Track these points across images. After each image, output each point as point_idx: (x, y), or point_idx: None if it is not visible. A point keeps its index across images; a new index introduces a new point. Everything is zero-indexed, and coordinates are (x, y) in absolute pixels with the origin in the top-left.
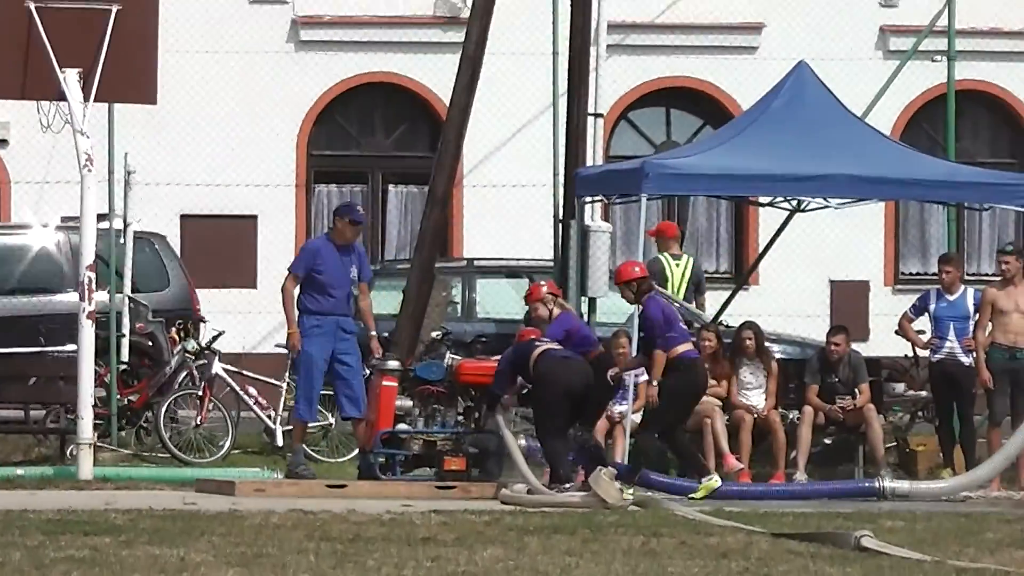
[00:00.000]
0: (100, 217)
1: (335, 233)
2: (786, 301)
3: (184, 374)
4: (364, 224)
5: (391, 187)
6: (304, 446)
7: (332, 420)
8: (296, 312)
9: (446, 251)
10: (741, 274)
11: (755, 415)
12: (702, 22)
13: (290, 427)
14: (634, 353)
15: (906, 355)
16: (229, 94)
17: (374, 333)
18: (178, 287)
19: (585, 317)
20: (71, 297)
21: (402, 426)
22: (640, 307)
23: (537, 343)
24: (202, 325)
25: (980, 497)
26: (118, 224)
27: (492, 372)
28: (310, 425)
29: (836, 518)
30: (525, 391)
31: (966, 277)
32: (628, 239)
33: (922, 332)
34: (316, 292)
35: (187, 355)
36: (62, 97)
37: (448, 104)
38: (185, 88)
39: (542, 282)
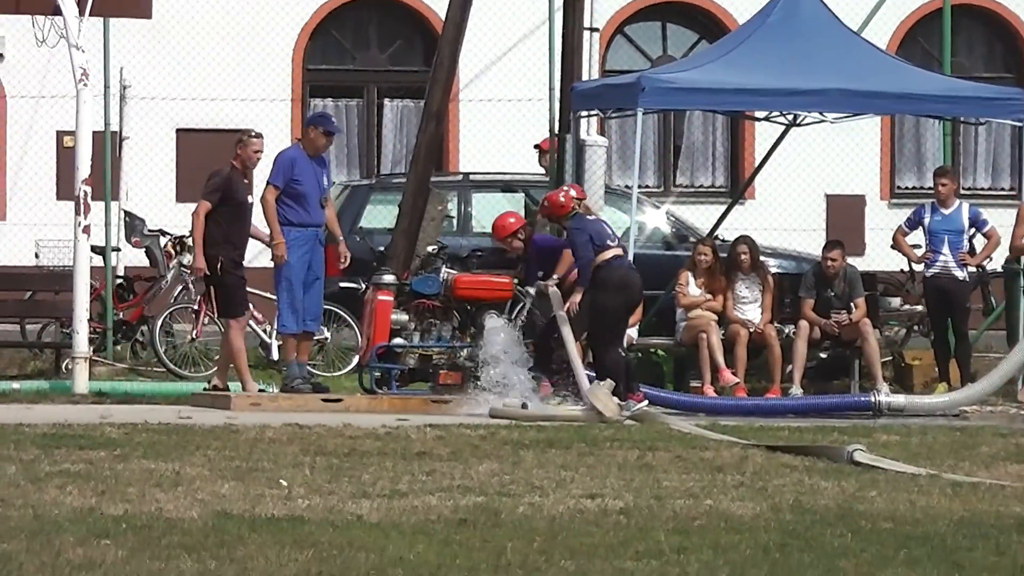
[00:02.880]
0: None
1: (307, 143)
2: (782, 215)
3: (179, 288)
4: (336, 135)
5: (387, 101)
6: (301, 359)
7: (327, 335)
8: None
9: (442, 166)
10: (737, 188)
11: (751, 329)
12: None
13: None
14: None
15: (902, 269)
16: (225, 8)
17: (342, 238)
18: None
19: None
20: None
21: (398, 340)
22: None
23: (604, 243)
24: None
25: (975, 412)
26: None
27: (488, 286)
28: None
29: (831, 432)
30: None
31: (961, 191)
32: (624, 153)
33: (917, 246)
34: (295, 203)
35: (183, 269)
36: (57, 11)
37: (443, 18)
38: (180, 2)
39: (561, 191)
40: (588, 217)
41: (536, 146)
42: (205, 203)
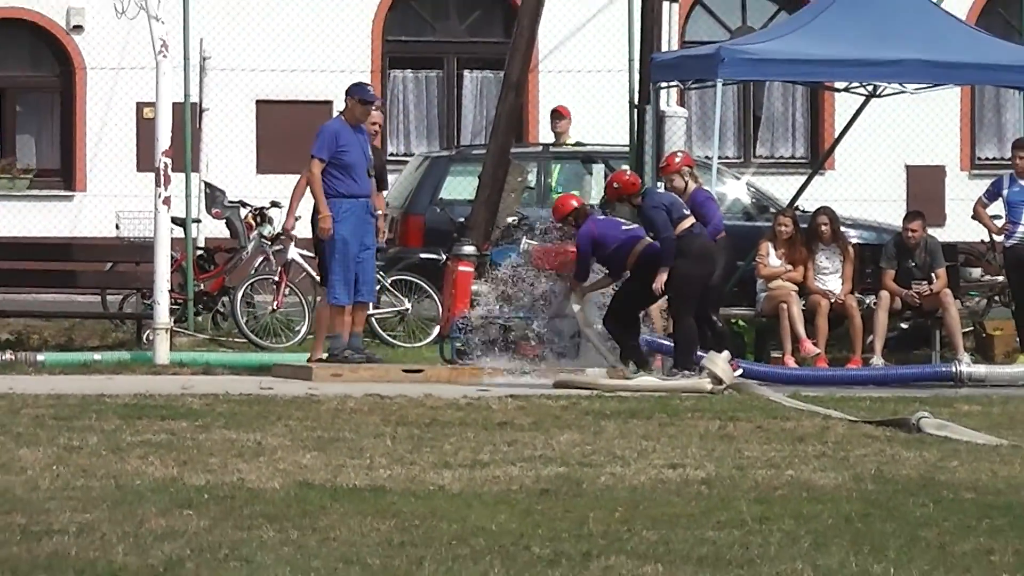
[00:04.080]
0: None
1: (347, 113)
2: (862, 186)
3: (260, 259)
4: (374, 104)
5: (466, 72)
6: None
7: (408, 305)
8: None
9: (521, 137)
10: (817, 159)
11: (831, 300)
12: None
13: (373, 312)
14: None
15: (982, 240)
16: None
17: (380, 212)
18: None
19: None
20: None
21: (478, 311)
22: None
23: (681, 214)
24: (277, 211)
25: None
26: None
27: (568, 257)
28: (385, 311)
29: (912, 403)
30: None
31: None
32: (703, 124)
33: (997, 217)
34: (343, 174)
35: (263, 240)
36: None
37: None
38: None
39: (678, 153)
40: (658, 190)
41: (553, 111)
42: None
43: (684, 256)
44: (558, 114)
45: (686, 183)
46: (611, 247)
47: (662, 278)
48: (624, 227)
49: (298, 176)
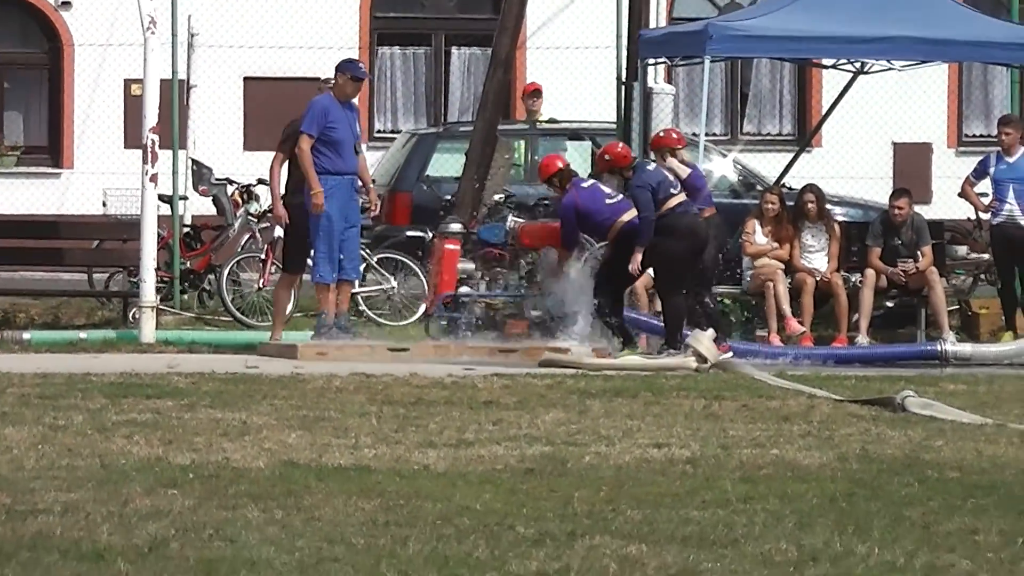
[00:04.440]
0: None
1: (337, 90)
2: (849, 163)
3: (247, 237)
4: (365, 80)
5: (454, 49)
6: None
7: (394, 283)
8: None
9: (509, 113)
10: (804, 136)
11: (817, 278)
12: None
13: (358, 290)
14: None
15: (969, 218)
16: None
17: (372, 186)
18: None
19: None
20: None
21: (464, 289)
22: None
23: (668, 192)
24: (264, 188)
25: None
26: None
27: (555, 234)
28: (371, 288)
29: (898, 382)
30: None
31: None
32: (691, 101)
33: (984, 195)
34: (330, 151)
35: (250, 217)
36: None
37: None
38: None
39: (671, 130)
40: (648, 167)
41: (529, 88)
42: (279, 155)
43: (670, 234)
44: (534, 91)
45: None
46: (594, 219)
47: (637, 258)
48: (608, 200)
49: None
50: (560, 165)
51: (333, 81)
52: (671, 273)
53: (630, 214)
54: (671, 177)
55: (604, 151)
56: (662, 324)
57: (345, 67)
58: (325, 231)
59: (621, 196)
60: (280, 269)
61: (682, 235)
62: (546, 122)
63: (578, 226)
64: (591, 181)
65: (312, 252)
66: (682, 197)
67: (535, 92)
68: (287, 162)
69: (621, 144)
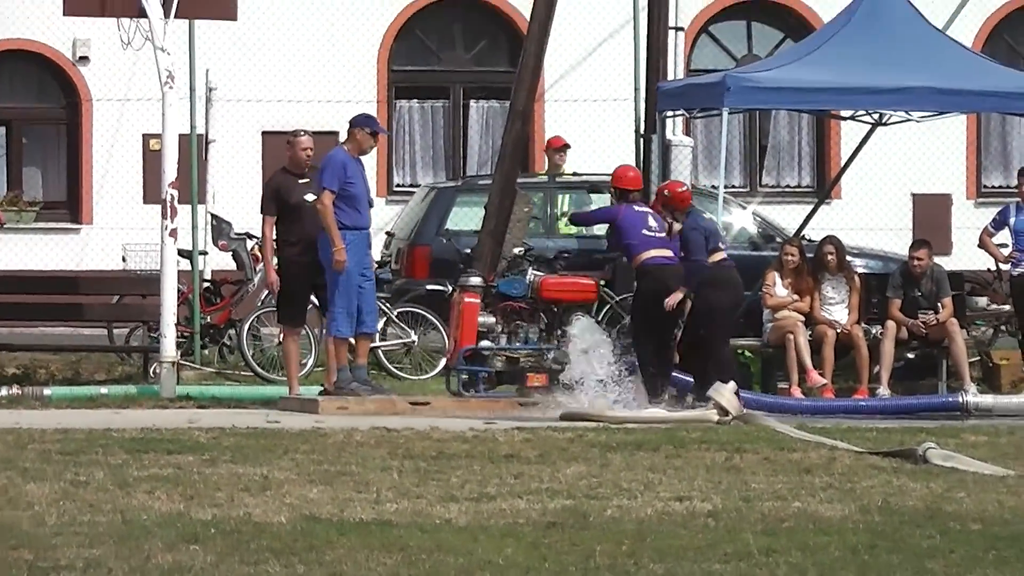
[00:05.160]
0: None
1: (353, 145)
2: (868, 215)
3: (266, 291)
4: (383, 135)
5: (472, 102)
6: (361, 362)
7: (415, 337)
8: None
9: (527, 166)
10: (823, 188)
11: (838, 330)
12: None
13: (379, 344)
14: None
15: (989, 269)
16: (310, 9)
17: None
18: None
19: None
20: None
21: (485, 343)
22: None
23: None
24: None
25: None
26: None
27: (574, 288)
28: (391, 343)
29: (919, 433)
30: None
31: None
32: (709, 153)
33: (1003, 246)
34: (348, 206)
35: None
36: (143, 14)
37: (528, 18)
38: (266, 4)
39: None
40: (705, 214)
41: (555, 141)
42: (266, 218)
43: (715, 286)
44: (561, 146)
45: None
46: (624, 240)
47: (677, 296)
48: (645, 231)
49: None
50: (629, 181)
51: (302, 134)
52: (717, 325)
53: (657, 252)
54: (720, 232)
55: (664, 187)
56: (685, 377)
57: (363, 122)
58: (343, 286)
59: (663, 235)
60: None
61: (725, 287)
62: (569, 175)
63: (610, 232)
64: (647, 209)
65: (329, 306)
66: (725, 254)
67: (563, 147)
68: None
69: (684, 186)
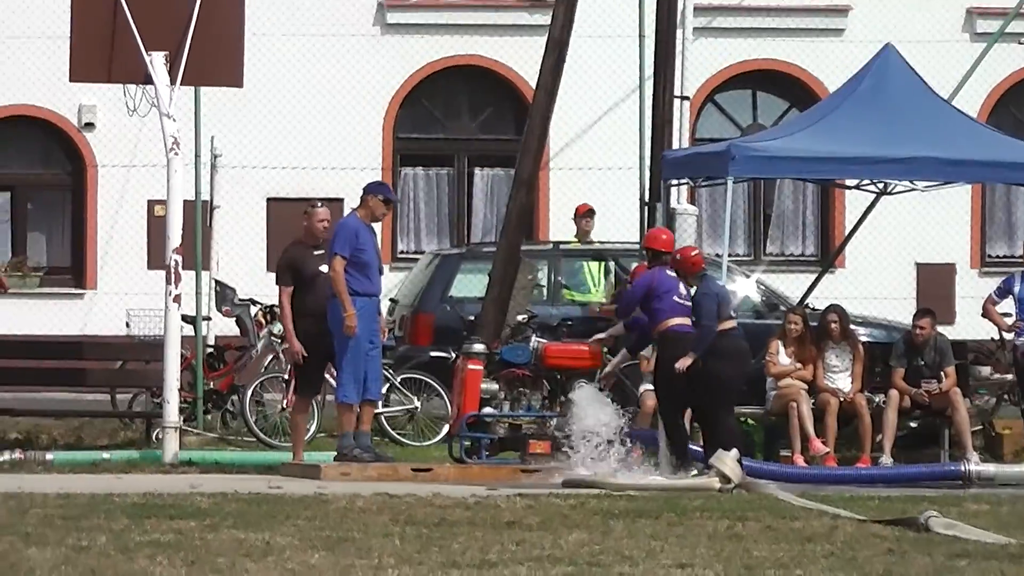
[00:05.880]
0: None
1: (365, 211)
2: (872, 284)
3: (270, 357)
4: (396, 203)
5: (477, 170)
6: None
7: (417, 404)
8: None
9: (532, 234)
10: (827, 257)
11: (841, 398)
12: (788, 4)
13: (382, 410)
14: None
15: (992, 338)
16: (315, 77)
17: (383, 310)
18: None
19: None
20: None
21: (488, 409)
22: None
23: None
24: None
25: None
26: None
27: (577, 355)
28: (394, 409)
29: (921, 502)
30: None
31: None
32: (714, 222)
33: (1007, 315)
34: (359, 272)
35: (273, 338)
36: (148, 80)
37: (534, 87)
38: (271, 71)
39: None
40: (718, 281)
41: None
42: (283, 289)
43: (723, 357)
44: (587, 212)
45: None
46: (655, 305)
47: (687, 361)
48: (676, 298)
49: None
50: (662, 244)
51: (319, 204)
52: (723, 394)
53: (677, 321)
54: (731, 299)
55: (678, 251)
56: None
57: (377, 189)
58: (352, 352)
59: (689, 303)
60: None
61: (733, 357)
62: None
63: (641, 302)
64: (676, 275)
65: (336, 373)
66: (735, 322)
67: (588, 212)
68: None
69: (697, 250)
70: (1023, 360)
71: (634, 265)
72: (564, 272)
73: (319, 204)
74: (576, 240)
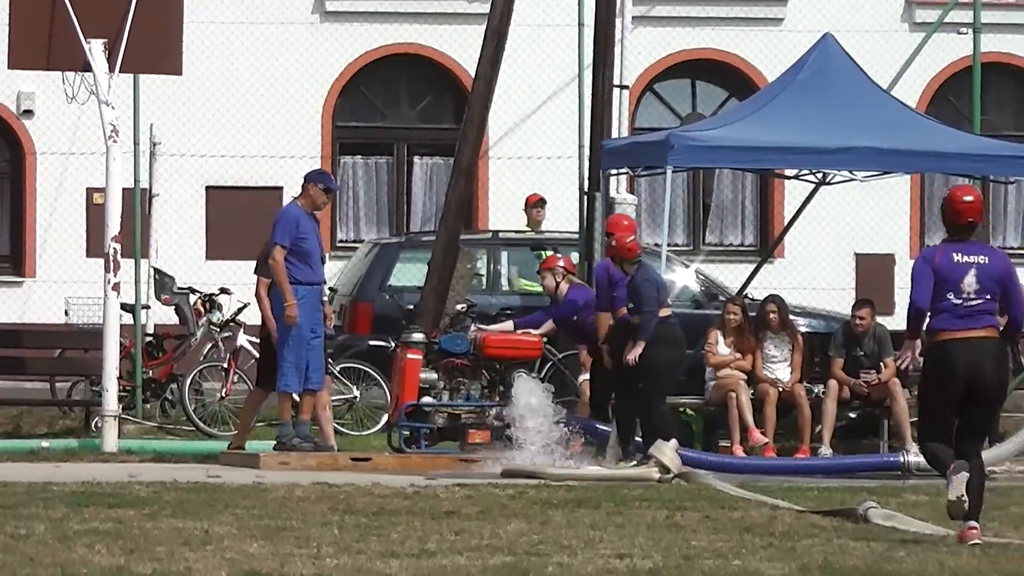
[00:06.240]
0: None
1: (306, 200)
2: (811, 274)
3: (209, 346)
4: (336, 191)
5: (416, 159)
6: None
7: (356, 393)
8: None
9: (471, 223)
10: (766, 247)
11: (780, 389)
12: None
13: None
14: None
15: None
16: (254, 65)
17: (326, 297)
18: None
19: None
20: None
21: (427, 399)
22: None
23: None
24: (227, 297)
25: (1004, 472)
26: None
27: (517, 345)
28: (335, 398)
29: (860, 493)
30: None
31: None
32: (653, 211)
33: None
34: (300, 261)
35: (212, 327)
36: (87, 68)
37: (473, 75)
38: (210, 59)
39: (559, 256)
40: (654, 267)
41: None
42: (262, 280)
43: (660, 343)
44: (538, 201)
45: (557, 283)
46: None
47: (637, 350)
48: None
49: (256, 281)
50: (625, 224)
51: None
52: (657, 381)
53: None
54: (668, 287)
55: (614, 237)
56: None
57: (317, 178)
58: (294, 341)
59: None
60: (246, 380)
61: (670, 343)
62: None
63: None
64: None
65: (279, 361)
66: (671, 311)
67: (539, 201)
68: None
69: (632, 237)
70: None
71: (547, 255)
72: (518, 262)
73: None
74: (529, 230)
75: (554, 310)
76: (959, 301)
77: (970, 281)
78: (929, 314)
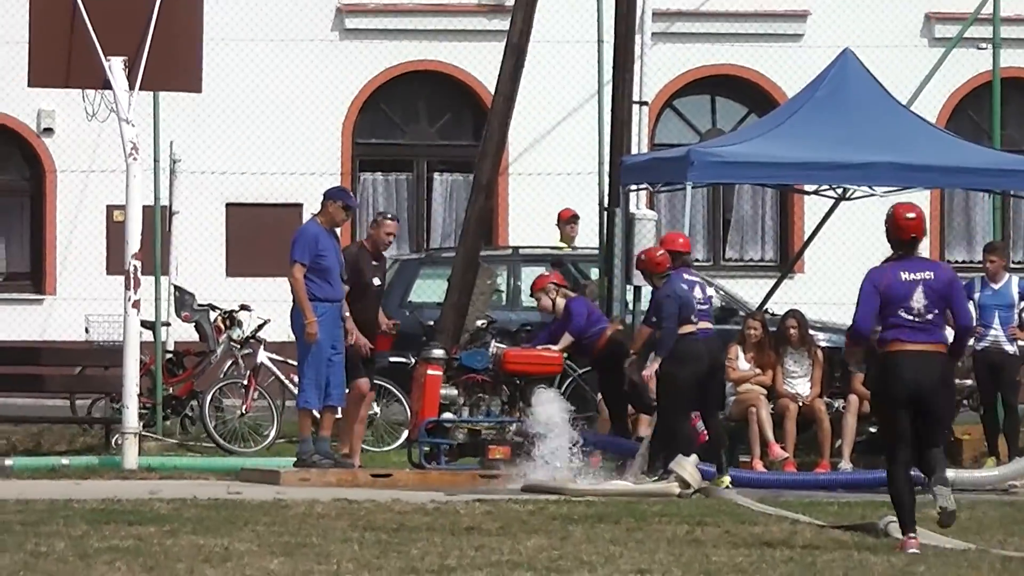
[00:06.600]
0: None
1: (325, 217)
2: (831, 289)
3: (229, 363)
4: (355, 209)
5: (436, 175)
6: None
7: (377, 409)
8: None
9: (491, 240)
10: (786, 262)
11: (800, 404)
12: (747, 10)
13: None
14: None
15: None
16: (274, 82)
17: (347, 314)
18: None
19: (630, 305)
20: None
21: (447, 415)
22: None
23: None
24: (247, 314)
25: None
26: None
27: (537, 360)
28: None
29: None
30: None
31: (1011, 265)
32: (673, 227)
33: None
34: (320, 279)
35: (232, 344)
36: (107, 85)
37: (493, 92)
38: (230, 76)
39: (547, 273)
40: (683, 283)
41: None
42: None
43: (678, 360)
44: (571, 217)
45: (553, 300)
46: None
47: (654, 366)
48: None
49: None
50: (680, 242)
51: (390, 217)
52: (677, 399)
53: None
54: (694, 304)
55: (642, 251)
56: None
57: (336, 195)
58: (314, 358)
59: (707, 306)
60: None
61: (690, 360)
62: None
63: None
64: (696, 278)
65: (299, 377)
66: (697, 327)
67: (573, 217)
68: None
69: (662, 251)
70: (982, 365)
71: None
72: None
73: (390, 216)
74: (565, 245)
75: (569, 324)
76: (911, 316)
77: (919, 298)
78: (881, 327)
